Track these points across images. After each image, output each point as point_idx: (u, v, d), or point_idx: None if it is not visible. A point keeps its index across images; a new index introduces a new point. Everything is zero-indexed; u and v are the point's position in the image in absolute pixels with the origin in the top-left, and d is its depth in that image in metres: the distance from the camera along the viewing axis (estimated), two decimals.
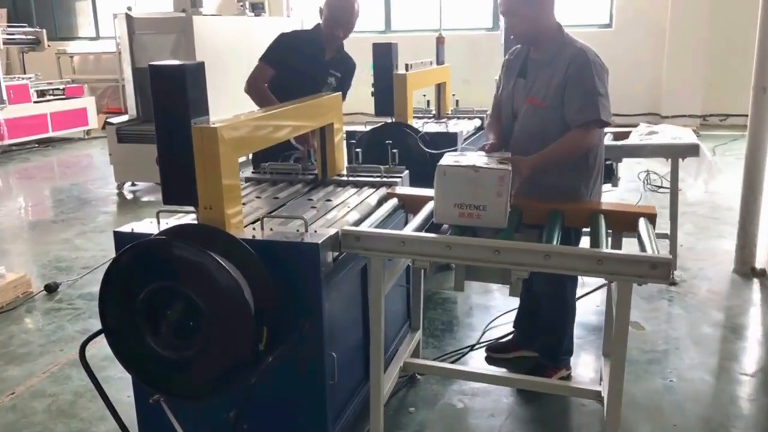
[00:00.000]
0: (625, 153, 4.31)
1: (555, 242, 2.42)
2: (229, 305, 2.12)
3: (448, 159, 2.56)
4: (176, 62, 2.29)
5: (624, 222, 2.70)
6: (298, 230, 2.38)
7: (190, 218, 2.51)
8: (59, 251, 5.41)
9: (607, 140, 4.42)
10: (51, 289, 4.52)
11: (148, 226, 2.47)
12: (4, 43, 10.81)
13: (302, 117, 2.88)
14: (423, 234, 2.43)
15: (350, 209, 2.79)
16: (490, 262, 2.33)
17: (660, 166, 6.49)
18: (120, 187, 7.58)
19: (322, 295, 2.30)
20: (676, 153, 4.28)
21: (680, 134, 4.46)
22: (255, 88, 3.72)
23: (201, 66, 2.33)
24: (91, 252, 5.32)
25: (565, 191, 2.87)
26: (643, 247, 2.34)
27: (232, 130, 2.31)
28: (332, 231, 2.40)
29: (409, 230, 2.53)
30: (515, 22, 2.89)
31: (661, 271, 2.13)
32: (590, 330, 3.72)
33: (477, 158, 2.60)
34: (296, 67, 3.73)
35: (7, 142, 9.82)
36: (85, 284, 4.62)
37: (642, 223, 2.57)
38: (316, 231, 2.39)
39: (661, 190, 6.62)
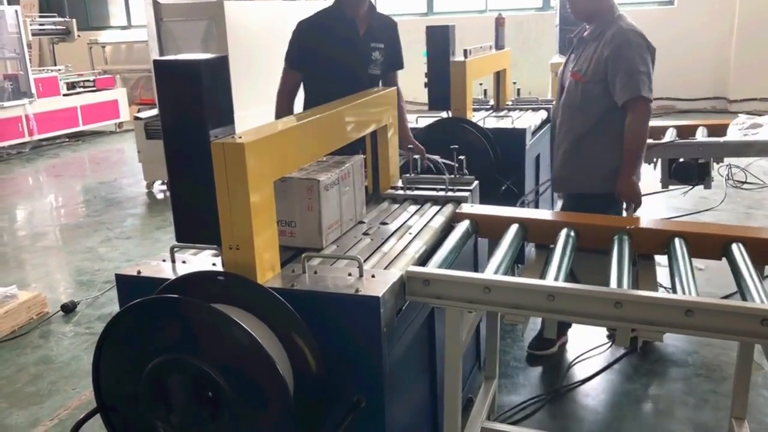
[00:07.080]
0: (727, 151, 3.61)
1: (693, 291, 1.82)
2: (260, 383, 1.57)
3: None
4: (190, 56, 1.74)
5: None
6: (350, 274, 1.83)
7: (212, 255, 1.97)
8: (81, 261, 4.96)
9: (701, 136, 3.76)
10: (68, 309, 4.05)
11: (159, 267, 1.93)
12: (33, 34, 10.45)
13: (353, 122, 2.30)
14: (515, 279, 1.84)
15: (413, 237, 2.22)
16: (609, 319, 1.75)
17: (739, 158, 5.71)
18: (150, 185, 7.11)
19: (383, 362, 1.74)
20: None
21: None
22: (278, 105, 3.16)
23: (223, 60, 1.78)
24: (114, 263, 4.86)
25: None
26: None
27: (265, 146, 1.75)
28: (395, 274, 1.84)
29: (491, 270, 1.95)
30: None
31: None
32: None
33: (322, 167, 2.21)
34: (330, 58, 3.08)
35: (36, 137, 9.49)
36: (106, 303, 4.15)
37: None
38: (374, 276, 1.82)
39: (745, 186, 5.89)
